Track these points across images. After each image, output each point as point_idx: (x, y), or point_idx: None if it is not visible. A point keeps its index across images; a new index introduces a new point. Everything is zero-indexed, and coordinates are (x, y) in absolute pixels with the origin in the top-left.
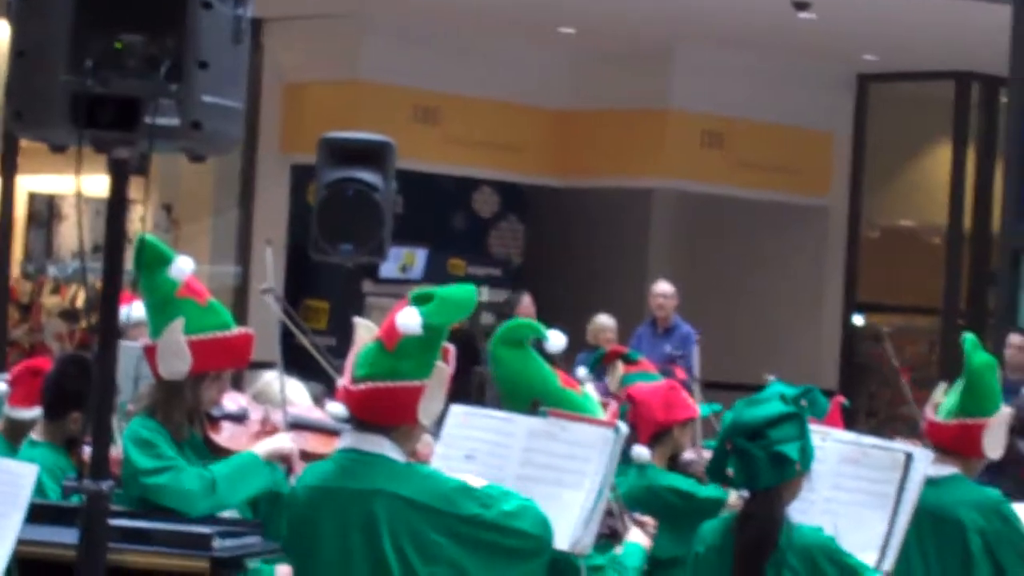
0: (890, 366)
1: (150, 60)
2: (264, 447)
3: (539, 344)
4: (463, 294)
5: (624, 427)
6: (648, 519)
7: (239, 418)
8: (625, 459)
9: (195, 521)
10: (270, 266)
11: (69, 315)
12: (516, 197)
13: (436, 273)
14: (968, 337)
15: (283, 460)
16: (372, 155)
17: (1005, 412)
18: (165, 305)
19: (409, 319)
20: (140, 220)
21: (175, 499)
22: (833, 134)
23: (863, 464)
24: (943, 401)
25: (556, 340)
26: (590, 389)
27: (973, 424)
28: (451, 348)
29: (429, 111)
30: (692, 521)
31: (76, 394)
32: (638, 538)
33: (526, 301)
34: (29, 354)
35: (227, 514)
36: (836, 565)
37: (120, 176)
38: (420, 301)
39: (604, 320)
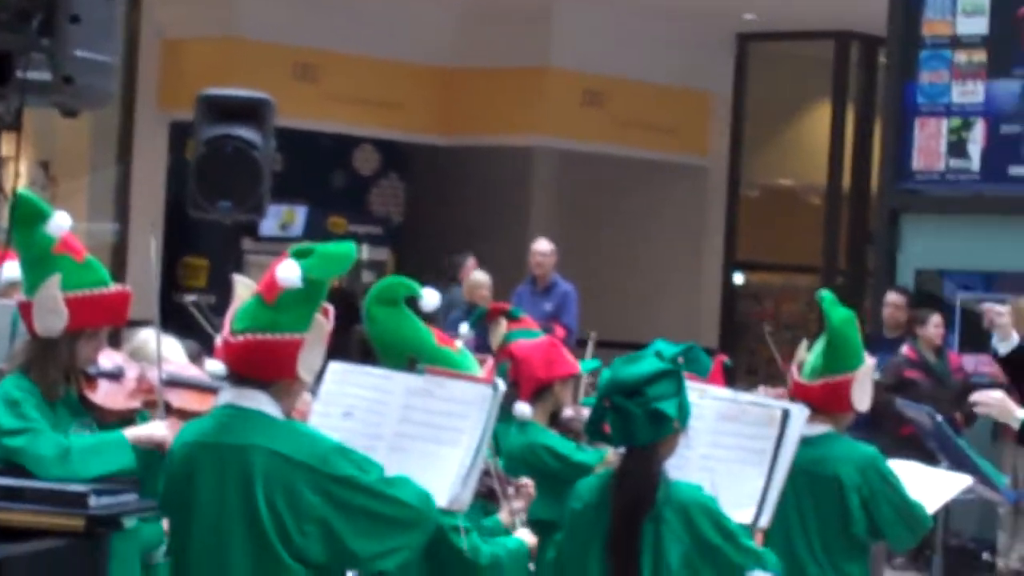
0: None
1: (21, 14)
2: (136, 431)
3: (414, 302)
4: (343, 250)
5: (502, 384)
6: (527, 481)
7: (115, 376)
8: (507, 416)
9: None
10: (154, 257)
11: None
12: (396, 155)
13: (316, 231)
14: (825, 294)
15: (155, 447)
16: (250, 112)
17: (869, 364)
18: (41, 261)
19: (289, 272)
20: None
21: (28, 462)
22: (713, 93)
23: (740, 421)
24: (807, 359)
25: (430, 298)
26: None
27: (839, 381)
28: (330, 307)
29: (309, 68)
30: (568, 484)
31: None
32: (525, 537)
33: (470, 263)
34: None
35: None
36: (712, 521)
37: None
38: (300, 256)
39: (480, 277)
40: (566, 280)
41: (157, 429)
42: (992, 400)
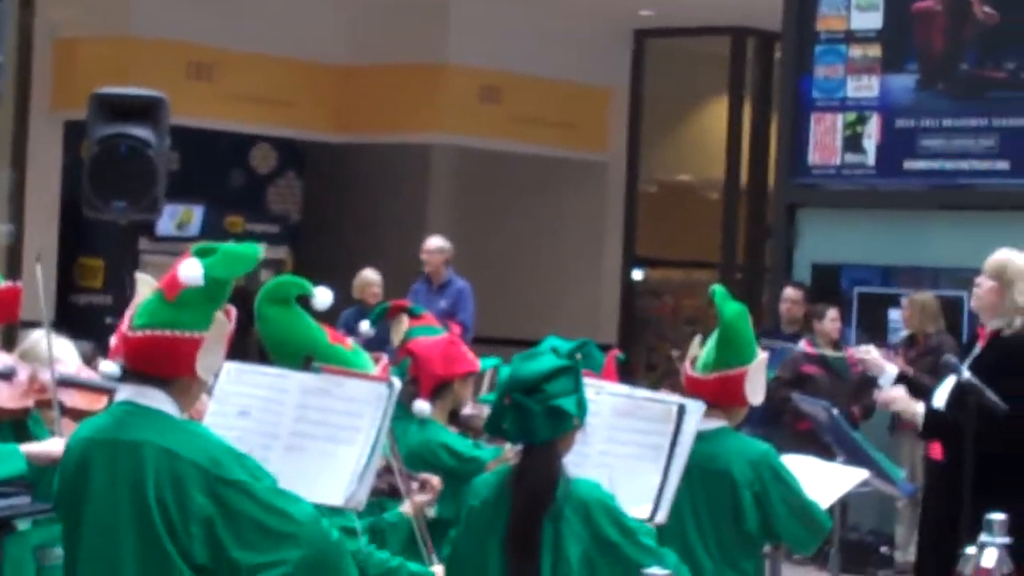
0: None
1: None
2: (33, 448)
3: (306, 301)
4: (247, 250)
5: (397, 382)
6: (432, 477)
7: (6, 376)
8: (408, 413)
9: None
10: (40, 284)
11: None
12: (294, 153)
13: (213, 230)
14: (716, 289)
15: (51, 463)
16: (144, 111)
17: (762, 357)
18: None
19: (191, 270)
20: None
21: None
22: (611, 89)
23: (637, 417)
24: (700, 354)
25: (323, 296)
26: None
27: (733, 375)
28: (231, 307)
29: (204, 67)
30: (465, 481)
31: None
32: (438, 572)
33: None
34: None
35: None
36: (612, 519)
37: None
38: (203, 254)
39: (370, 275)
40: (462, 277)
41: (55, 446)
42: (894, 395)
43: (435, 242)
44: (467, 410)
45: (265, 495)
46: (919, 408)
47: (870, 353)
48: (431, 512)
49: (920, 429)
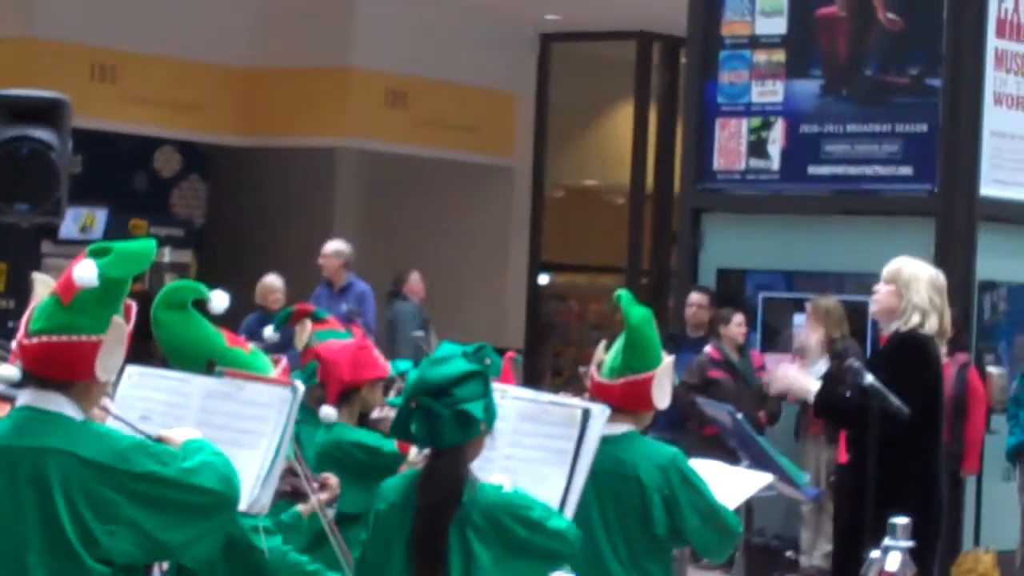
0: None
1: None
2: None
3: (202, 305)
4: (141, 247)
5: (301, 385)
6: (331, 476)
7: None
8: (315, 418)
9: None
10: None
11: None
12: (197, 156)
13: (117, 234)
14: (622, 293)
15: None
16: (46, 113)
17: (668, 361)
18: None
19: (85, 271)
20: None
21: None
22: (516, 94)
23: (541, 421)
24: (605, 359)
25: (219, 300)
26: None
27: (640, 379)
28: (132, 304)
29: (107, 69)
30: (379, 476)
31: None
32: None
33: (414, 277)
34: None
35: None
36: (521, 522)
37: None
38: (97, 254)
39: (272, 280)
40: (364, 281)
41: None
42: (788, 375)
43: (332, 246)
44: (375, 414)
45: (177, 476)
46: (812, 386)
47: (790, 376)
48: (331, 512)
49: (813, 405)
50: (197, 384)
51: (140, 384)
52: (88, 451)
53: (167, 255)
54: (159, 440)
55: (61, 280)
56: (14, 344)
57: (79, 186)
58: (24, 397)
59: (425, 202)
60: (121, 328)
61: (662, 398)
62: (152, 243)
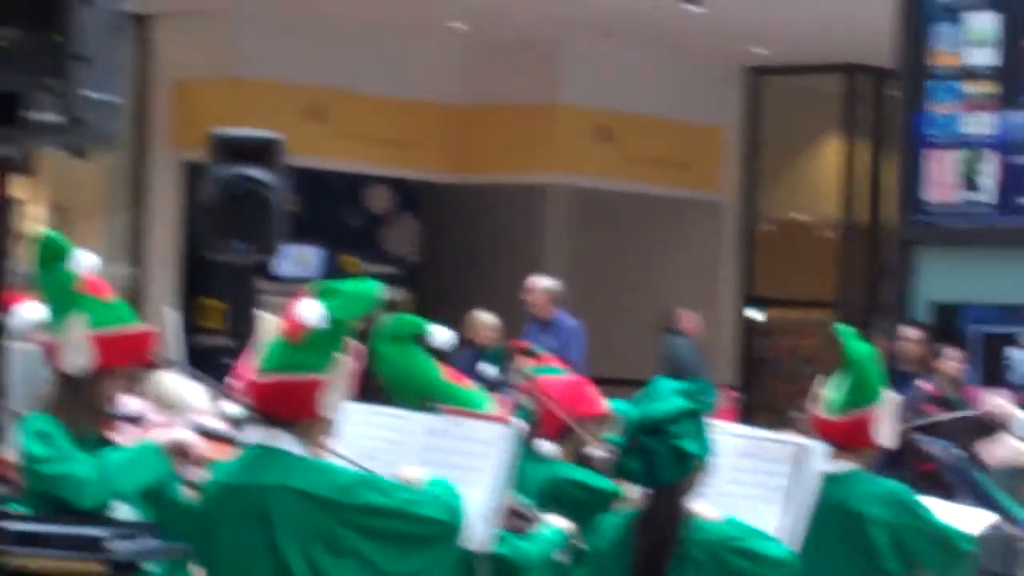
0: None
1: (29, 55)
2: (163, 435)
3: (423, 340)
4: (367, 289)
5: (521, 423)
6: (562, 520)
7: (136, 420)
8: (532, 454)
9: (91, 523)
10: (172, 329)
11: None
12: (409, 194)
13: (330, 270)
14: (843, 329)
15: (181, 452)
16: (262, 152)
17: (892, 398)
18: (65, 300)
19: (314, 312)
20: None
21: (67, 487)
22: (723, 128)
23: (758, 457)
24: (826, 395)
25: (441, 335)
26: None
27: (863, 416)
28: (358, 345)
29: (319, 107)
30: (596, 513)
31: None
32: (558, 522)
33: (686, 315)
34: None
35: (123, 515)
36: (740, 553)
37: (6, 173)
38: (324, 295)
39: (483, 316)
40: (571, 316)
41: (184, 434)
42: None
43: (538, 281)
44: (593, 452)
45: (401, 506)
46: None
47: (1000, 404)
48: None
49: None
50: (418, 421)
51: (362, 422)
52: (314, 486)
53: (383, 291)
54: (397, 480)
55: (288, 320)
56: (232, 379)
57: (292, 223)
58: (253, 435)
59: (633, 237)
60: (344, 366)
61: (885, 435)
62: (376, 285)
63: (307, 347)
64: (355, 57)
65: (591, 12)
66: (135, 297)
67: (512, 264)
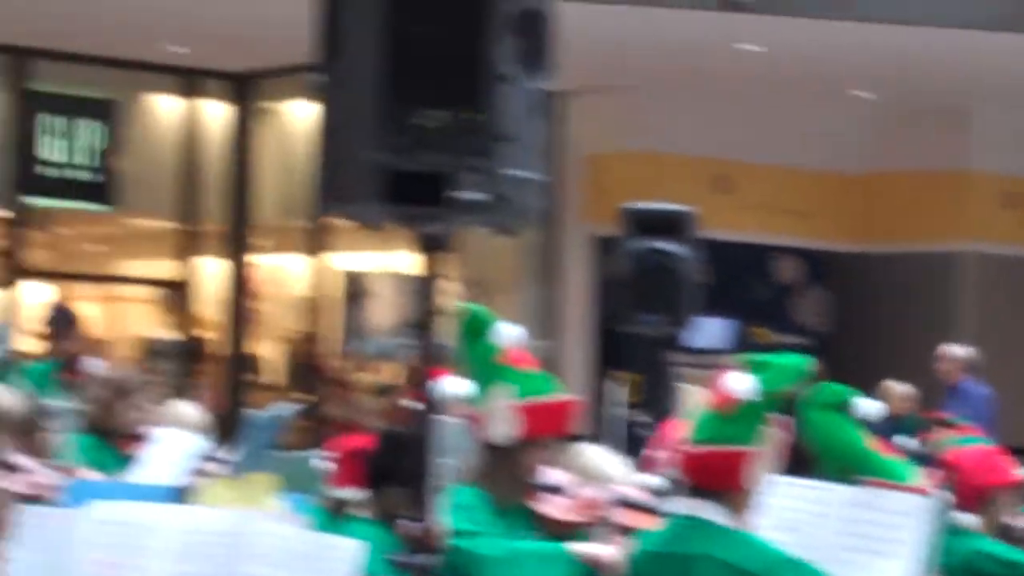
0: None
1: (454, 135)
2: (582, 546)
3: (849, 410)
4: (796, 363)
5: (944, 495)
6: None
7: (556, 490)
8: (950, 527)
9: None
10: (613, 403)
11: (383, 391)
12: (816, 263)
13: (741, 342)
14: None
15: (596, 566)
16: (673, 225)
17: None
18: (490, 372)
19: (746, 385)
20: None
21: (475, 564)
22: None
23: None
24: None
25: (868, 406)
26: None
27: None
28: (789, 419)
29: (725, 179)
30: None
31: (395, 469)
32: None
33: None
34: (343, 431)
35: None
36: None
37: (431, 251)
38: (754, 367)
39: (897, 386)
40: (980, 384)
41: (604, 551)
42: None
43: (947, 349)
44: (1013, 521)
45: None
46: None
47: None
48: None
49: None
50: (839, 493)
51: (785, 494)
52: (740, 559)
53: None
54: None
55: (718, 392)
56: (648, 451)
57: (703, 295)
58: (679, 506)
59: None
60: (770, 438)
61: None
62: (804, 361)
63: (738, 419)
64: (760, 129)
65: (1001, 78)
66: (549, 369)
67: (924, 333)
